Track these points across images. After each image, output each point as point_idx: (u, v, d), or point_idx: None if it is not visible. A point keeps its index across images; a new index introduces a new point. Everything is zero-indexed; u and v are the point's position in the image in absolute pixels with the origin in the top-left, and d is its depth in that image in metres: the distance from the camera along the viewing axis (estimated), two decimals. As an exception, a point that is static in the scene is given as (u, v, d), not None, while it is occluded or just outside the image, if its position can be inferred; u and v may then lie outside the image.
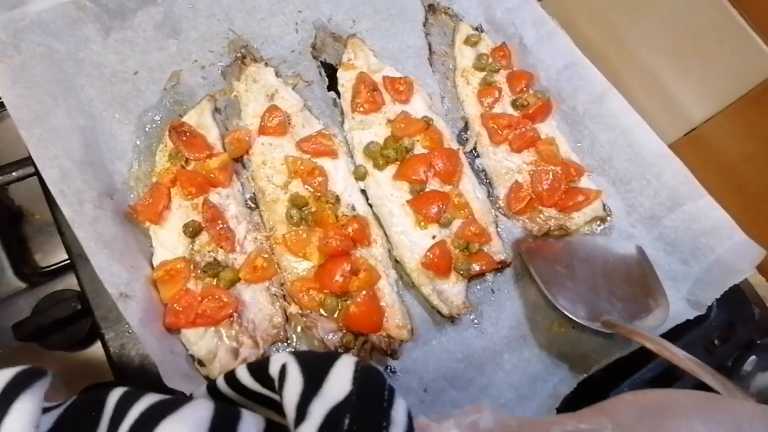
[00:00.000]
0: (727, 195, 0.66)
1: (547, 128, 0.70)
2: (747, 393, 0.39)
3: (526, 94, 0.71)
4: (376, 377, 0.26)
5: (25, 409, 0.24)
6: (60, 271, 0.61)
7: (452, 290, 0.57)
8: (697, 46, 0.72)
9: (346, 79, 0.68)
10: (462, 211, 0.61)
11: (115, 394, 0.28)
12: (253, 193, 0.61)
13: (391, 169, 0.63)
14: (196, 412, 0.26)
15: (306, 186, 0.59)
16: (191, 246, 0.54)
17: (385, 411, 0.25)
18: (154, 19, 0.65)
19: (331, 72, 0.70)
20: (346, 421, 0.23)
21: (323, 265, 0.55)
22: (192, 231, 0.53)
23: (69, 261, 0.54)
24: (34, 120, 0.54)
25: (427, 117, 0.66)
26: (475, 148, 0.69)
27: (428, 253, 0.57)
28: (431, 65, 0.74)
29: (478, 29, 0.77)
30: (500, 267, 0.60)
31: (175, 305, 0.50)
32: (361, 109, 0.66)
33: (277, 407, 0.27)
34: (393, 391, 0.26)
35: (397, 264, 0.60)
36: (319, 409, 0.24)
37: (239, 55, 0.68)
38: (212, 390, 0.30)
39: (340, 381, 0.25)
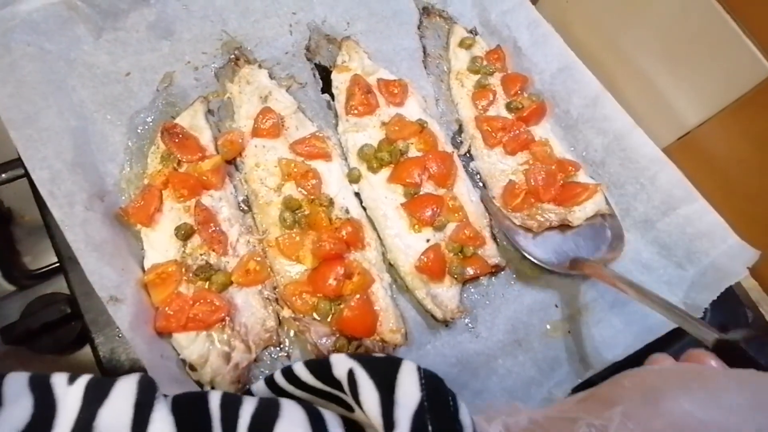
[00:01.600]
0: (720, 198, 0.67)
1: (541, 131, 0.70)
2: (709, 326, 0.42)
3: (521, 97, 0.71)
4: (439, 383, 0.28)
5: (164, 418, 0.25)
6: (49, 274, 0.60)
7: (446, 294, 0.57)
8: (691, 50, 0.73)
9: (340, 81, 0.68)
10: (456, 215, 0.61)
11: (215, 398, 0.28)
12: (246, 196, 0.61)
13: (385, 172, 0.62)
14: (295, 413, 0.27)
15: (299, 189, 0.59)
16: (183, 249, 0.53)
17: (454, 415, 0.27)
18: (147, 20, 0.64)
19: (325, 74, 0.70)
20: (430, 427, 0.26)
21: (316, 269, 0.54)
22: (184, 234, 0.53)
23: (59, 264, 0.54)
24: (25, 120, 0.53)
25: (422, 120, 0.66)
26: (469, 151, 0.69)
27: (422, 257, 0.56)
28: (426, 68, 0.74)
29: (473, 32, 0.77)
30: (495, 271, 0.60)
31: (166, 309, 0.50)
32: (356, 111, 0.65)
33: (339, 402, 0.29)
34: (455, 396, 0.28)
35: (391, 267, 0.59)
36: (404, 417, 0.26)
37: (233, 56, 0.67)
38: (270, 384, 0.32)
39: (410, 388, 0.27)
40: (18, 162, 0.57)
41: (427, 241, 0.59)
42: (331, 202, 0.58)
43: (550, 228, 0.64)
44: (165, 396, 0.28)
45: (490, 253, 0.61)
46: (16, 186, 0.61)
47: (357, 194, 0.62)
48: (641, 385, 0.31)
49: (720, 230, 0.62)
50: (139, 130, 0.60)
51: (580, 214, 0.63)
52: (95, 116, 0.59)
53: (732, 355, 0.37)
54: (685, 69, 0.75)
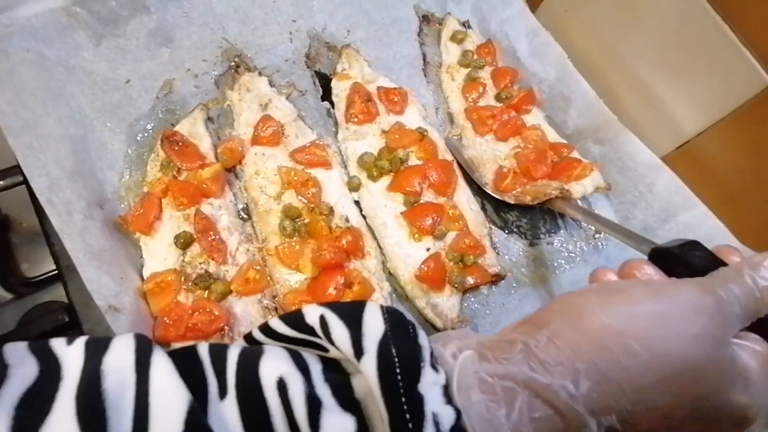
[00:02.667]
0: (719, 207, 0.67)
1: (532, 119, 0.70)
2: (647, 239, 0.45)
3: (510, 90, 0.72)
4: (400, 316, 0.31)
5: (163, 359, 0.27)
6: (47, 282, 0.60)
7: (446, 303, 0.56)
8: (689, 60, 0.73)
9: (340, 89, 0.68)
10: (456, 224, 0.61)
11: (203, 347, 0.30)
12: (246, 204, 0.60)
13: (385, 180, 0.62)
14: (277, 353, 0.30)
15: (299, 197, 0.59)
16: (182, 257, 0.53)
17: (414, 339, 0.30)
18: (147, 27, 0.64)
19: (324, 82, 0.70)
20: (393, 350, 0.28)
21: (316, 278, 0.54)
22: (183, 242, 0.53)
23: (56, 272, 0.53)
24: (23, 128, 0.53)
25: (422, 128, 0.66)
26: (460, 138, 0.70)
27: (423, 266, 0.56)
28: (425, 76, 0.74)
29: (465, 25, 0.78)
30: (495, 280, 0.60)
31: (165, 318, 0.49)
32: (356, 119, 0.65)
33: (314, 346, 0.32)
34: (414, 324, 0.31)
35: (391, 276, 0.59)
36: (371, 344, 0.29)
37: (232, 64, 0.67)
38: (249, 340, 0.34)
39: (375, 322, 0.30)
40: (16, 169, 0.57)
41: (427, 250, 0.59)
42: (331, 211, 0.58)
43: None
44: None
45: (490, 262, 0.60)
46: (14, 193, 0.61)
47: (356, 202, 0.62)
48: (567, 307, 0.34)
49: (721, 235, 0.62)
50: (138, 138, 0.60)
51: (578, 188, 0.63)
52: (94, 123, 0.58)
53: (667, 262, 0.39)
54: (684, 78, 0.76)
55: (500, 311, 0.60)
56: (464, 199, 0.64)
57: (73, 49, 0.61)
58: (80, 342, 0.28)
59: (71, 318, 0.51)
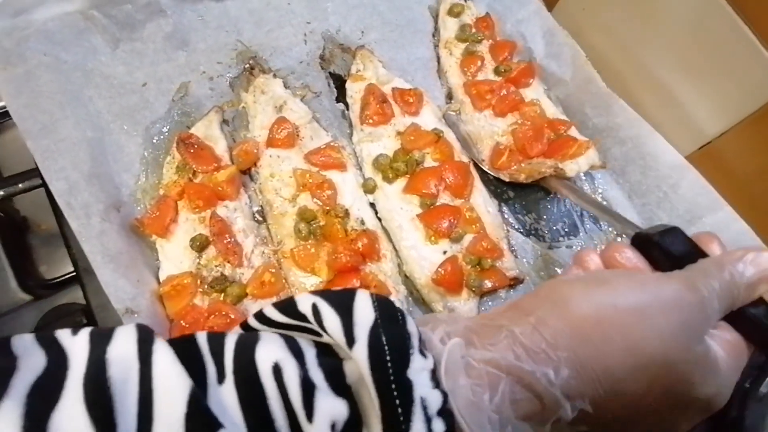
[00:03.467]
0: (742, 209, 0.65)
1: (532, 93, 0.69)
2: (632, 223, 0.47)
3: (509, 62, 0.71)
4: (389, 303, 0.32)
5: (164, 347, 0.28)
6: (65, 284, 0.60)
7: (464, 308, 0.56)
8: (710, 61, 0.71)
9: (354, 90, 0.68)
10: (473, 226, 0.60)
11: (201, 335, 0.31)
12: (261, 206, 0.60)
13: (401, 182, 0.62)
14: (273, 339, 0.31)
15: (315, 199, 0.58)
16: (198, 260, 0.53)
17: (403, 326, 0.31)
18: (164, 31, 0.64)
19: (339, 83, 0.70)
20: (383, 338, 0.29)
21: (332, 281, 0.54)
22: (199, 245, 0.53)
23: (73, 274, 0.53)
24: (41, 131, 0.53)
25: (438, 129, 0.65)
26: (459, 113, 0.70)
27: (440, 269, 0.55)
28: (440, 77, 0.74)
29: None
30: (513, 283, 0.59)
31: (181, 321, 0.49)
32: (371, 121, 0.65)
33: (307, 332, 0.32)
34: (403, 312, 0.32)
35: (407, 279, 0.58)
36: (362, 333, 0.30)
37: (247, 66, 0.67)
38: (245, 327, 0.35)
39: (365, 310, 0.31)
40: (35, 172, 0.57)
41: (444, 252, 0.58)
42: (346, 213, 0.57)
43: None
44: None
45: (508, 265, 0.59)
46: (33, 195, 0.61)
47: (371, 204, 0.62)
48: (553, 295, 0.35)
49: (748, 239, 0.60)
50: (154, 141, 0.60)
51: (573, 166, 0.62)
52: (111, 127, 0.59)
53: (648, 247, 0.40)
54: (704, 79, 0.74)
55: (518, 315, 0.59)
56: (481, 200, 0.63)
57: (90, 52, 0.61)
58: (85, 333, 0.29)
59: (89, 320, 0.51)
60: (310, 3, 0.72)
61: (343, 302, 0.31)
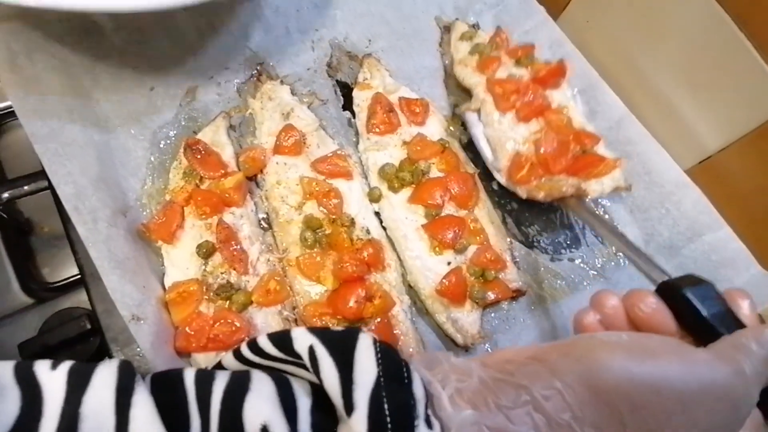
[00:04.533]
0: (740, 224, 0.66)
1: (560, 96, 0.65)
2: (660, 268, 0.45)
3: (530, 57, 0.68)
4: (394, 355, 0.30)
5: (144, 399, 0.27)
6: (68, 287, 0.60)
7: (467, 319, 0.56)
8: (713, 76, 0.72)
9: (361, 98, 0.68)
10: (477, 237, 0.60)
11: (189, 375, 0.30)
12: (266, 213, 0.60)
13: (406, 192, 0.62)
14: (264, 386, 0.29)
15: (321, 208, 0.58)
16: (204, 267, 0.53)
17: (407, 387, 0.28)
18: (172, 35, 0.64)
19: (346, 91, 0.70)
20: (386, 406, 0.27)
21: (337, 290, 0.54)
22: (206, 252, 0.53)
23: (77, 277, 0.53)
24: (49, 134, 0.53)
25: (443, 139, 0.66)
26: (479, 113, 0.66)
27: (444, 280, 0.56)
28: (446, 87, 0.74)
29: (475, 26, 0.77)
30: (516, 295, 0.59)
31: (187, 328, 0.49)
32: (377, 130, 0.65)
33: (304, 367, 0.30)
34: (408, 366, 0.29)
35: (410, 289, 0.59)
36: (362, 397, 0.27)
37: (255, 72, 0.67)
38: (238, 357, 0.33)
39: (367, 363, 0.29)
40: (40, 174, 0.57)
41: (448, 263, 0.58)
42: (352, 222, 0.58)
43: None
44: (143, 377, 0.30)
45: (511, 277, 0.60)
46: (36, 196, 0.61)
47: (376, 213, 0.62)
48: (587, 358, 0.31)
49: (743, 259, 0.61)
50: (161, 145, 0.60)
51: (596, 187, 0.59)
52: (118, 130, 0.59)
53: (675, 299, 0.37)
54: (706, 94, 0.75)
55: (521, 327, 0.59)
56: (485, 211, 0.63)
57: (98, 55, 0.61)
58: (64, 370, 0.28)
59: (93, 325, 0.50)
60: (318, 10, 0.72)
61: (343, 351, 0.29)
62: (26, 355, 0.50)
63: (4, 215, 0.60)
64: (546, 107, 0.63)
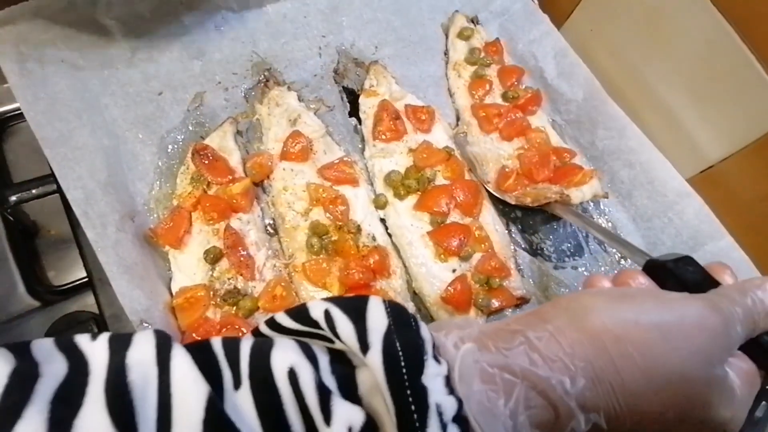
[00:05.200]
0: (741, 233, 0.67)
1: (537, 120, 0.71)
2: (642, 251, 0.47)
3: (516, 88, 0.73)
4: (402, 309, 0.32)
5: (182, 352, 0.28)
6: (74, 290, 0.60)
7: (472, 326, 0.56)
8: (716, 87, 0.73)
9: (368, 105, 0.68)
10: (482, 245, 0.60)
11: (216, 341, 0.31)
12: (273, 219, 0.61)
13: (412, 199, 0.62)
14: (287, 344, 0.31)
15: (327, 214, 0.59)
16: (211, 272, 0.53)
17: (416, 332, 0.30)
18: (180, 40, 0.65)
19: (352, 98, 0.70)
20: (397, 344, 0.29)
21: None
22: (213, 257, 0.53)
23: (84, 280, 0.53)
24: (58, 139, 0.53)
25: (449, 147, 0.66)
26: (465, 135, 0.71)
27: (449, 288, 0.56)
28: (451, 95, 0.75)
29: (474, 21, 0.78)
30: (519, 303, 0.60)
31: (194, 334, 0.50)
32: (383, 137, 0.65)
33: (320, 338, 0.32)
34: (416, 318, 0.32)
35: (415, 296, 0.59)
36: (376, 339, 0.29)
37: (262, 77, 0.68)
38: (256, 334, 0.35)
39: (378, 316, 0.31)
40: (48, 178, 0.58)
41: (453, 271, 0.59)
42: (358, 229, 0.58)
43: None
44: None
45: (515, 284, 0.60)
46: (42, 199, 0.61)
47: (382, 220, 0.62)
48: (573, 304, 0.34)
49: (745, 268, 0.62)
50: (169, 150, 0.60)
51: (577, 194, 0.63)
52: (127, 135, 0.59)
53: (660, 274, 0.40)
54: (709, 105, 0.75)
55: (524, 335, 0.60)
56: (490, 219, 0.64)
57: (107, 60, 0.61)
58: (104, 338, 0.29)
59: (101, 330, 0.51)
60: (325, 17, 0.72)
61: (355, 308, 0.31)
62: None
63: (11, 218, 0.60)
64: (526, 127, 0.69)
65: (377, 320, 0.30)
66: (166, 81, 0.63)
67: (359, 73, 0.72)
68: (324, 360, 0.31)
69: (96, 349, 0.28)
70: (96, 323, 0.52)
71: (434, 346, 0.31)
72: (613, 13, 0.81)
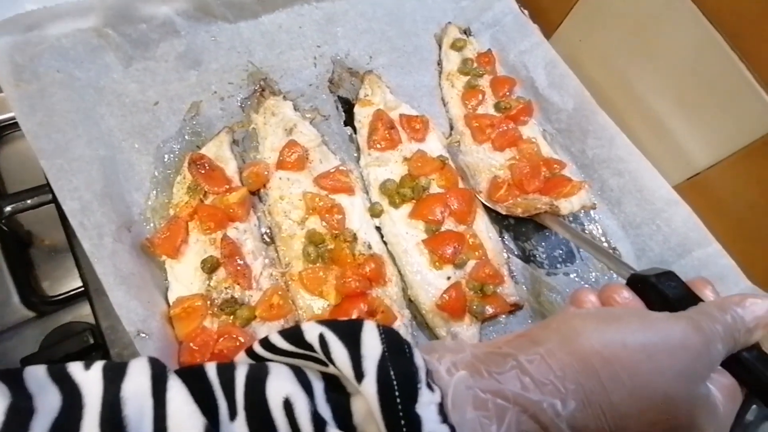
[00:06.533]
0: (727, 239, 0.68)
1: (528, 131, 0.72)
2: (627, 264, 0.49)
3: (509, 99, 0.74)
4: (395, 334, 0.32)
5: (178, 384, 0.28)
6: (69, 300, 0.60)
7: (467, 333, 0.57)
8: (704, 95, 0.75)
9: (363, 115, 0.69)
10: (476, 252, 0.61)
11: (211, 367, 0.31)
12: (269, 228, 0.61)
13: (407, 207, 0.63)
14: (282, 372, 0.31)
15: (323, 223, 0.59)
16: (208, 282, 0.54)
17: (410, 359, 0.31)
18: (176, 50, 0.65)
19: (347, 107, 0.71)
20: (392, 372, 0.29)
21: (339, 305, 0.55)
22: (210, 267, 0.53)
23: (78, 290, 0.53)
24: (55, 150, 0.53)
25: (443, 156, 0.67)
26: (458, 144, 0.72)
27: (444, 295, 0.57)
28: (444, 105, 0.76)
29: (466, 32, 0.80)
30: (513, 309, 0.61)
31: (191, 344, 0.50)
32: (378, 146, 0.66)
33: (314, 360, 0.33)
34: (409, 344, 0.32)
35: (411, 304, 0.60)
36: (371, 366, 0.30)
37: (258, 87, 0.68)
38: (250, 354, 0.35)
39: (372, 342, 0.31)
40: (43, 188, 0.58)
41: (448, 278, 0.59)
42: (354, 238, 0.59)
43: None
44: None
45: (509, 291, 0.61)
46: (37, 209, 0.61)
47: (377, 228, 0.63)
48: (563, 327, 0.35)
49: (732, 274, 0.63)
50: (165, 159, 0.60)
51: (566, 205, 0.65)
52: (123, 145, 0.59)
53: (643, 288, 0.42)
54: (697, 112, 0.77)
55: (518, 341, 0.60)
56: (483, 227, 0.65)
57: (103, 70, 0.61)
58: (98, 367, 0.29)
59: (97, 341, 0.51)
60: (320, 27, 0.73)
61: (350, 333, 0.32)
62: (29, 370, 0.50)
63: (5, 228, 0.60)
64: (518, 138, 0.70)
65: (371, 347, 0.31)
66: (162, 91, 0.63)
67: (354, 83, 0.73)
68: (319, 387, 0.31)
69: (90, 380, 0.28)
70: (92, 334, 0.52)
71: (428, 373, 0.31)
72: (601, 23, 0.82)
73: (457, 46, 0.77)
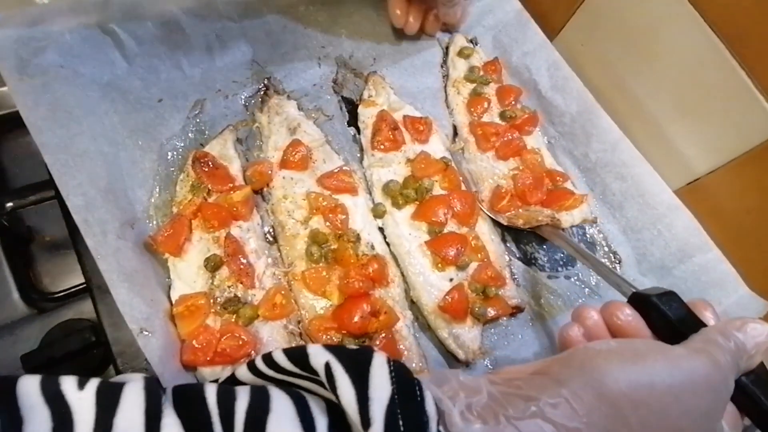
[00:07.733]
0: (726, 245, 0.69)
1: (533, 141, 0.72)
2: (629, 282, 0.48)
3: (514, 108, 0.74)
4: (406, 373, 0.31)
5: (173, 421, 0.27)
6: (69, 297, 0.59)
7: (468, 335, 0.57)
8: (704, 101, 0.75)
9: (366, 116, 0.69)
10: (478, 254, 0.62)
11: (211, 392, 0.30)
12: (272, 227, 0.61)
13: (409, 209, 0.63)
14: (285, 408, 0.30)
15: (326, 223, 0.59)
16: (211, 281, 0.53)
17: (420, 405, 0.29)
18: (181, 48, 0.65)
19: (351, 107, 0.71)
20: (401, 422, 0.28)
21: (342, 305, 0.55)
22: (213, 265, 0.53)
23: (79, 287, 0.53)
24: (58, 145, 0.53)
25: (446, 157, 0.67)
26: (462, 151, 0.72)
27: (447, 297, 0.57)
28: (447, 107, 0.76)
29: (473, 41, 0.80)
30: (515, 312, 0.61)
31: (194, 342, 0.49)
32: (382, 147, 0.66)
33: (319, 383, 0.31)
34: (420, 385, 0.30)
35: (413, 305, 0.60)
36: (378, 413, 0.28)
37: (262, 86, 0.68)
38: (252, 369, 0.34)
39: (382, 380, 0.30)
40: (46, 184, 0.57)
41: (450, 280, 0.59)
42: (358, 238, 0.59)
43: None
44: (164, 390, 0.30)
45: (510, 293, 0.61)
46: (37, 205, 0.61)
47: (380, 229, 0.63)
48: (586, 366, 0.34)
49: (731, 280, 0.64)
50: (169, 157, 0.60)
51: (567, 218, 0.65)
52: (127, 142, 0.59)
53: (645, 307, 0.42)
54: (697, 118, 0.78)
55: (519, 343, 0.61)
56: (486, 229, 0.65)
57: (107, 66, 0.61)
58: (92, 389, 0.28)
59: (98, 337, 0.50)
60: (325, 28, 0.73)
61: (358, 368, 0.30)
62: (30, 367, 0.50)
63: (6, 224, 0.59)
64: (522, 148, 0.70)
65: (380, 387, 0.29)
66: (166, 88, 0.63)
67: (358, 84, 0.73)
68: (322, 424, 0.30)
69: (82, 404, 0.27)
70: (93, 331, 0.51)
71: (440, 413, 0.30)
72: (603, 27, 0.83)
73: (464, 54, 0.77)
